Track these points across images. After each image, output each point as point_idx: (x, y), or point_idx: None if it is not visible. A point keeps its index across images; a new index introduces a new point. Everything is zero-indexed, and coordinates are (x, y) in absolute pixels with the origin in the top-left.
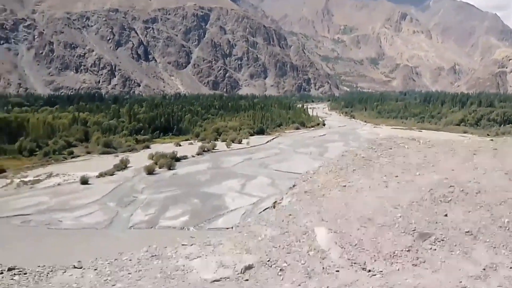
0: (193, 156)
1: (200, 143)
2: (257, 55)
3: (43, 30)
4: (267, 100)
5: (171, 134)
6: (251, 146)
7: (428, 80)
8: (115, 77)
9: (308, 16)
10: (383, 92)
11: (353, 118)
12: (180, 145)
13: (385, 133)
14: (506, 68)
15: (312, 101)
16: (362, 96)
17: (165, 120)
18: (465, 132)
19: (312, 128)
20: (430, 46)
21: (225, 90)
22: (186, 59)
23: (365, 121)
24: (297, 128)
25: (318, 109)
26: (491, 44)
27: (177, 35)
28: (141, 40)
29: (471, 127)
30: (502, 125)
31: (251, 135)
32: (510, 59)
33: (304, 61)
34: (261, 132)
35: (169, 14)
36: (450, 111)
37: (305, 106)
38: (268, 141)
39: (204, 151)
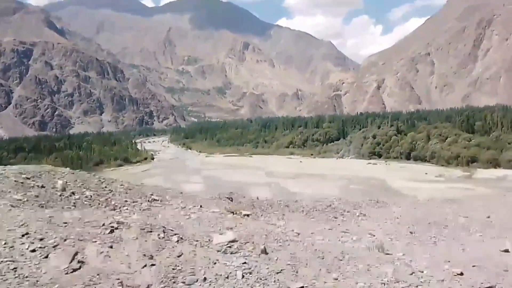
0: None
1: None
2: (90, 90)
3: None
4: (99, 137)
5: None
6: None
7: (274, 107)
8: None
9: (149, 48)
10: (227, 121)
11: (190, 149)
12: None
13: (217, 161)
14: (341, 91)
15: (154, 135)
16: (203, 126)
17: None
18: (291, 154)
19: (138, 164)
20: (274, 74)
21: (54, 130)
22: (6, 99)
23: (200, 151)
24: (120, 165)
25: (158, 143)
26: (328, 69)
27: None
28: None
29: (299, 148)
30: (325, 144)
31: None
32: (343, 83)
33: (144, 93)
34: None
35: None
36: (282, 134)
37: (141, 141)
38: None
39: None
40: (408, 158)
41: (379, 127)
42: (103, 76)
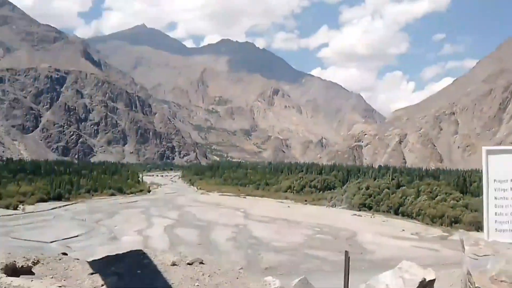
0: None
1: None
2: (116, 121)
3: None
4: (112, 166)
5: None
6: None
7: (297, 152)
8: None
9: (182, 86)
10: (246, 162)
11: (192, 185)
12: None
13: (208, 199)
14: (362, 142)
15: (171, 169)
16: (216, 164)
17: None
18: (286, 198)
19: (131, 195)
20: (301, 120)
21: (76, 156)
22: (34, 123)
23: (199, 188)
24: (112, 194)
25: (168, 177)
26: (355, 121)
27: (26, 97)
28: None
29: (297, 193)
30: (322, 192)
31: (44, 200)
32: (365, 134)
33: (169, 128)
34: (58, 198)
35: (19, 75)
36: (285, 178)
37: (153, 174)
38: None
39: None
40: (396, 213)
41: (374, 179)
42: (130, 108)
